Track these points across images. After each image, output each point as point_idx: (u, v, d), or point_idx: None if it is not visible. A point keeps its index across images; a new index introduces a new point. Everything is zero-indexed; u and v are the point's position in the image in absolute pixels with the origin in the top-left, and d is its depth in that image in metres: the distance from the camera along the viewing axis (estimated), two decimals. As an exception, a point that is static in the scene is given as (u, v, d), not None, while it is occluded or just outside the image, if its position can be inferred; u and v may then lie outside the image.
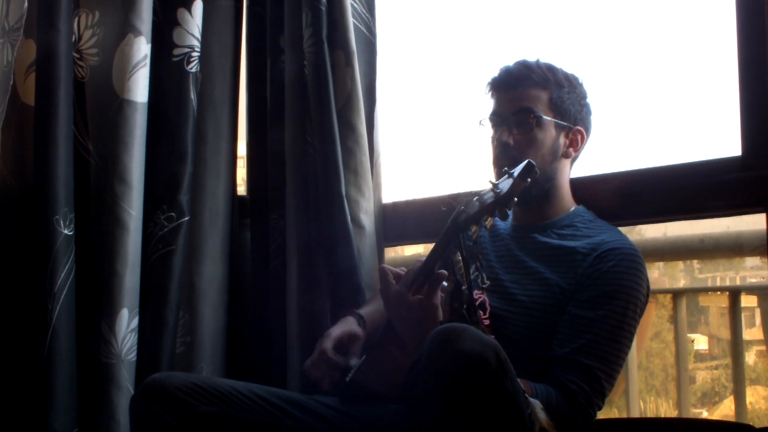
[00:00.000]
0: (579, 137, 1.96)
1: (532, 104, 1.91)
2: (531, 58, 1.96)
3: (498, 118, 1.96)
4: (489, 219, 1.57)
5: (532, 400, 1.53)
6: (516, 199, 1.55)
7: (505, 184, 1.56)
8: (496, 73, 1.99)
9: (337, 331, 1.86)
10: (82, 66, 2.31)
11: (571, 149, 1.96)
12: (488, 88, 1.99)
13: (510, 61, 1.98)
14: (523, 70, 1.93)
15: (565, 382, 1.68)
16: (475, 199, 1.62)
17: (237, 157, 2.58)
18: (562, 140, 1.94)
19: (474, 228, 1.60)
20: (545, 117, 1.91)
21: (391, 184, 2.52)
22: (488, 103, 1.99)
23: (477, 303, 1.81)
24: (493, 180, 1.83)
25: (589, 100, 1.99)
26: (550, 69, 1.94)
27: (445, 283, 1.66)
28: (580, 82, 1.98)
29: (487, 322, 1.81)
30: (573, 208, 1.96)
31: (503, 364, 1.40)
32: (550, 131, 1.92)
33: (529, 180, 1.55)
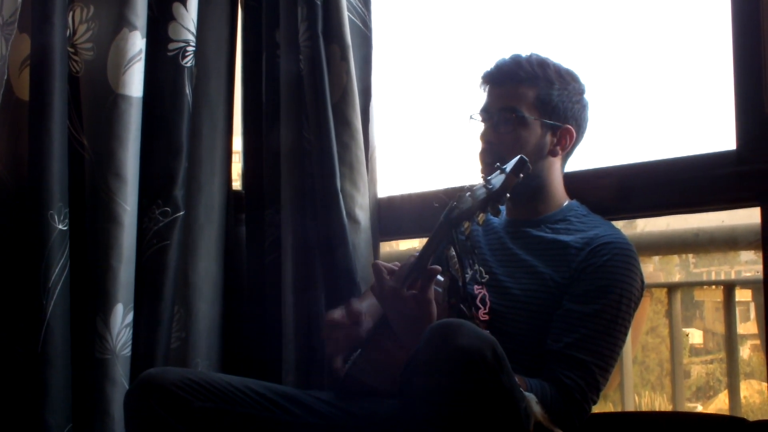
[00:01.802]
0: (568, 135, 1.94)
1: (517, 103, 1.90)
2: (526, 52, 1.95)
3: (485, 114, 1.96)
4: (481, 215, 1.57)
5: (527, 393, 1.54)
6: (508, 195, 1.55)
7: (498, 179, 1.56)
8: (489, 66, 1.97)
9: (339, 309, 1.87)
10: (76, 61, 2.31)
11: (558, 147, 1.94)
12: (481, 81, 1.99)
13: (505, 55, 1.96)
14: (513, 67, 1.92)
15: (560, 377, 1.68)
16: (467, 194, 1.62)
17: (232, 152, 2.58)
18: (548, 138, 1.93)
19: (466, 224, 1.60)
20: (529, 116, 1.90)
21: (387, 179, 2.52)
22: (482, 97, 1.99)
23: (477, 298, 1.81)
24: (482, 174, 1.84)
25: (585, 95, 1.98)
26: (541, 65, 1.92)
27: (441, 278, 1.66)
28: (576, 77, 1.96)
29: (486, 317, 1.81)
30: (566, 203, 1.96)
31: (500, 360, 1.40)
32: (534, 130, 1.91)
33: (521, 175, 1.55)
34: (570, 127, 1.94)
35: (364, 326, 1.84)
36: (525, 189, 1.87)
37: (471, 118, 1.99)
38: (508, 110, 1.91)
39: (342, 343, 1.84)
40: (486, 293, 1.85)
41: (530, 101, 1.91)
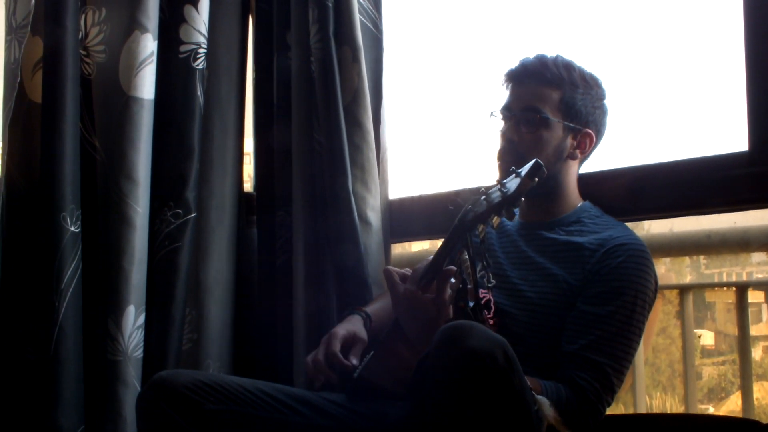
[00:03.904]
0: (587, 140, 1.94)
1: (541, 104, 1.90)
2: (551, 53, 1.94)
3: (507, 113, 1.95)
4: (496, 218, 1.57)
5: (539, 397, 1.53)
6: (523, 198, 1.55)
7: (513, 183, 1.56)
8: (514, 64, 1.97)
9: (342, 331, 1.86)
10: (88, 63, 2.32)
11: (577, 151, 1.94)
12: (504, 79, 1.98)
13: (530, 54, 1.96)
14: (539, 67, 1.91)
15: (575, 379, 1.68)
16: (482, 198, 1.61)
17: (244, 154, 2.58)
18: (569, 141, 1.93)
19: (481, 227, 1.59)
20: (552, 118, 1.90)
21: (398, 181, 2.52)
22: (503, 95, 1.98)
23: (482, 302, 1.80)
24: (498, 176, 1.84)
25: (606, 101, 1.97)
26: (567, 67, 1.92)
27: (453, 280, 1.66)
28: (599, 82, 1.96)
29: (491, 321, 1.81)
30: (579, 204, 1.96)
31: (511, 362, 1.40)
32: (556, 132, 1.91)
33: (536, 179, 1.55)
34: (590, 131, 1.94)
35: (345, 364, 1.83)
36: (541, 191, 1.86)
37: (492, 115, 1.99)
38: (531, 110, 1.90)
39: (321, 382, 1.84)
40: (491, 298, 1.85)
41: (554, 103, 1.90)
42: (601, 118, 1.96)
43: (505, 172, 1.71)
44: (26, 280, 2.21)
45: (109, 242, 2.23)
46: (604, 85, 1.98)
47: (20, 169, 2.29)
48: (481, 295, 1.79)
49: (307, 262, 2.33)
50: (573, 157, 1.94)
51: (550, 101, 1.90)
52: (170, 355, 2.24)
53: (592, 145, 1.96)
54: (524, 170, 1.56)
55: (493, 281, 1.69)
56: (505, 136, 1.93)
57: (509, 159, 1.89)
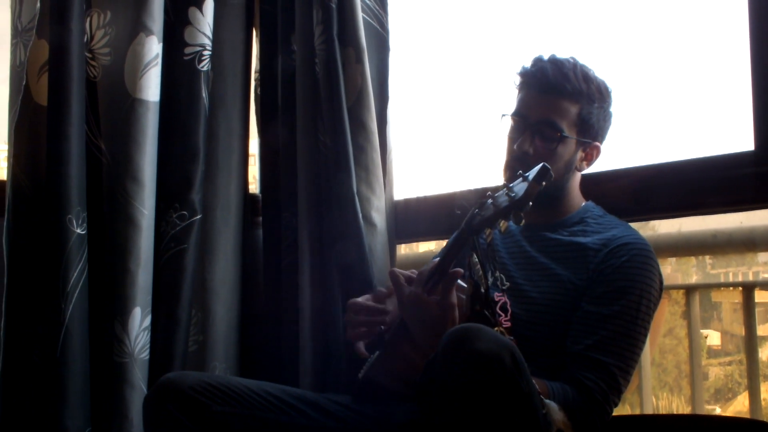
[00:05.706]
0: (595, 152, 1.95)
1: (559, 118, 1.87)
2: (567, 58, 1.90)
3: (522, 121, 1.92)
4: (503, 223, 1.56)
5: (548, 401, 1.53)
6: (531, 203, 1.54)
7: (520, 187, 1.55)
8: (529, 64, 1.93)
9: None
10: (94, 65, 2.32)
11: (584, 163, 1.95)
12: (518, 80, 1.95)
13: (542, 53, 1.92)
14: (559, 78, 1.87)
15: (581, 380, 1.67)
16: (489, 201, 1.61)
17: (249, 155, 2.58)
18: (579, 155, 1.92)
19: (488, 231, 1.59)
20: (569, 135, 1.88)
21: (404, 182, 2.52)
22: (514, 94, 1.96)
23: (498, 305, 1.80)
24: (504, 183, 1.84)
25: (612, 108, 1.96)
26: (586, 79, 1.89)
27: (464, 285, 1.66)
28: (610, 92, 1.94)
29: (507, 324, 1.80)
30: (583, 205, 1.96)
31: (519, 365, 1.40)
32: (570, 147, 1.90)
33: (543, 183, 1.54)
34: (598, 144, 1.94)
35: (389, 313, 1.85)
36: (546, 198, 1.85)
37: (503, 116, 1.97)
38: (549, 125, 1.88)
39: (363, 329, 1.84)
40: (507, 300, 1.84)
41: (572, 118, 1.88)
42: (608, 128, 1.96)
43: (512, 180, 1.71)
44: (33, 282, 2.21)
45: (115, 244, 2.23)
46: (613, 93, 1.96)
47: (26, 172, 2.28)
48: (496, 298, 1.79)
49: (312, 263, 2.33)
50: (580, 169, 1.95)
51: (568, 116, 1.88)
52: (176, 356, 2.24)
53: (597, 157, 1.96)
54: (532, 174, 1.55)
55: (507, 283, 1.69)
56: (520, 148, 1.90)
57: (519, 170, 1.88)
